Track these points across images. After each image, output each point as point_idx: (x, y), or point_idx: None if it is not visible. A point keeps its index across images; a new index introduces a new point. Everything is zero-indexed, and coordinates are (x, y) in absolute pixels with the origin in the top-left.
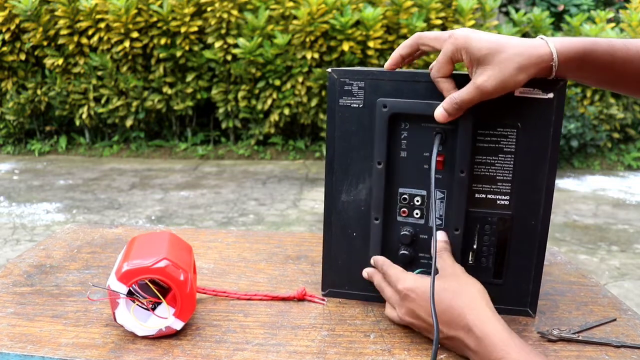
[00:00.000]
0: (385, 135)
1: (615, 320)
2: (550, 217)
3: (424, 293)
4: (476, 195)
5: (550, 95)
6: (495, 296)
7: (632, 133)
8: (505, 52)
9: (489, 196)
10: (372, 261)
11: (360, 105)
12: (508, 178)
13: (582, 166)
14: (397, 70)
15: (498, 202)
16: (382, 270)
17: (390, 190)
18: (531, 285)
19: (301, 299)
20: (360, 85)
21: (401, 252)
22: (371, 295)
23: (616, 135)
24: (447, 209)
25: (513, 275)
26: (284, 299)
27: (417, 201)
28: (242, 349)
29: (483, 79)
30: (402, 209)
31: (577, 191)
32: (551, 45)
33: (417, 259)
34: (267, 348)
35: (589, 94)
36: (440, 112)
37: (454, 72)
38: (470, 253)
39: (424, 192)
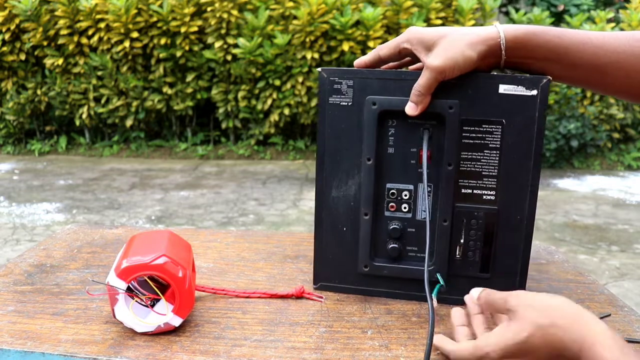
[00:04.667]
0: (374, 132)
1: (609, 315)
2: (535, 212)
3: (561, 315)
4: (462, 191)
5: (534, 92)
6: None
7: (632, 133)
8: (452, 35)
9: (475, 191)
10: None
11: (349, 104)
12: (493, 174)
13: (582, 166)
14: (383, 70)
15: (484, 197)
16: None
17: (379, 186)
18: (518, 280)
19: (299, 296)
20: (349, 84)
21: (390, 246)
22: (361, 289)
23: (616, 135)
24: (434, 202)
25: (500, 269)
26: (282, 297)
27: (405, 195)
28: (240, 344)
29: (432, 59)
30: (390, 204)
31: (577, 191)
32: (499, 26)
33: (405, 252)
34: (265, 344)
35: (589, 94)
36: (408, 106)
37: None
38: (458, 247)
39: (411, 187)
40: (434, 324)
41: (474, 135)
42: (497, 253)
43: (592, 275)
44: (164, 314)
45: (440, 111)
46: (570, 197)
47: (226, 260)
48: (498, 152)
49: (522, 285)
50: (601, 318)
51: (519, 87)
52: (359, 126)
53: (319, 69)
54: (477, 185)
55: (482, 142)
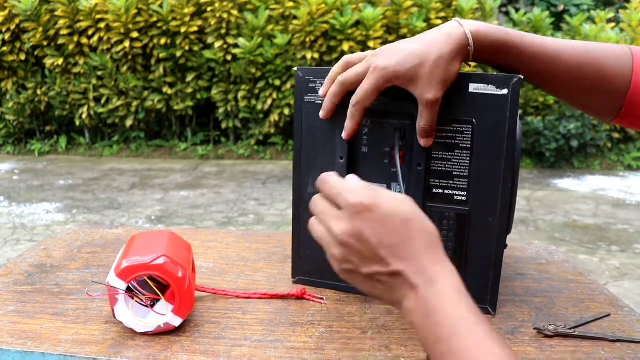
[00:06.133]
0: None
1: (609, 315)
2: (511, 215)
3: (387, 214)
4: (434, 191)
5: (505, 91)
6: None
7: (632, 133)
8: (429, 60)
9: (446, 192)
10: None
11: None
12: (464, 174)
13: (582, 166)
14: None
15: (455, 197)
16: (324, 183)
17: None
18: (490, 283)
19: (300, 297)
20: (323, 83)
21: None
22: (339, 285)
23: (616, 135)
24: None
25: (472, 271)
26: (282, 297)
27: None
28: (240, 345)
29: (427, 94)
30: None
31: (577, 191)
32: (466, 27)
33: None
34: (265, 344)
35: None
36: (423, 142)
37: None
38: None
39: (384, 186)
40: None
41: (445, 134)
42: (469, 255)
43: (592, 275)
44: (164, 314)
45: (410, 111)
46: (570, 197)
47: (226, 260)
48: (469, 152)
49: (495, 289)
50: (600, 318)
51: (489, 86)
52: (334, 124)
53: (295, 69)
54: (448, 185)
55: (453, 142)
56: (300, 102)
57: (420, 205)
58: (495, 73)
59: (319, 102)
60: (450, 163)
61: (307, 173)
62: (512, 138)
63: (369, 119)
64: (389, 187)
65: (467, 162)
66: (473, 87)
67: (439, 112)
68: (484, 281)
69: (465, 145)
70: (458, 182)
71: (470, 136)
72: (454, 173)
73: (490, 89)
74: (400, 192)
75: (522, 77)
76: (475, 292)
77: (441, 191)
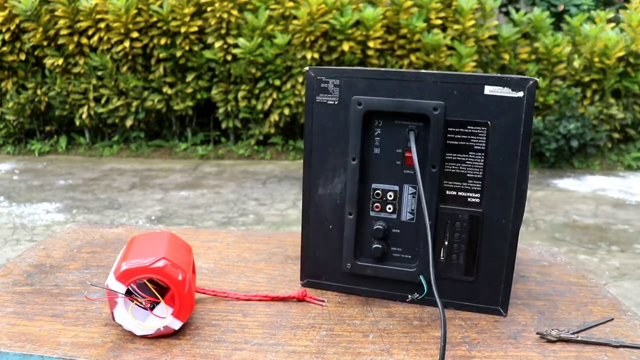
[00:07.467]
0: (359, 131)
1: (612, 319)
2: (521, 217)
3: None
4: (447, 192)
5: (520, 94)
6: (466, 294)
7: (632, 133)
8: None
9: (459, 193)
10: None
11: (336, 102)
12: (478, 176)
13: (582, 166)
14: (370, 69)
15: (469, 199)
16: None
17: (364, 186)
18: (502, 285)
19: (301, 299)
20: (335, 83)
21: (374, 245)
22: (348, 288)
23: (616, 135)
24: (419, 204)
25: (484, 273)
26: (283, 299)
27: (390, 196)
28: (240, 348)
29: None
30: (375, 204)
31: (577, 191)
32: None
33: (389, 253)
34: (265, 348)
35: (589, 94)
36: None
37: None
38: (442, 249)
39: (396, 188)
40: (445, 326)
41: (459, 136)
42: (481, 257)
43: (592, 275)
44: (164, 317)
45: (424, 112)
46: (570, 197)
47: (227, 260)
48: (483, 154)
49: (507, 291)
50: (603, 323)
51: (505, 88)
52: (345, 125)
53: (306, 68)
54: (462, 187)
55: (467, 143)
56: (312, 103)
57: (434, 207)
58: (511, 75)
59: (330, 102)
60: (464, 165)
61: (318, 174)
62: (527, 140)
63: (380, 120)
64: (401, 189)
65: (481, 164)
66: (489, 90)
67: (455, 114)
68: (496, 283)
69: (479, 147)
70: (472, 184)
71: (485, 138)
72: (467, 175)
73: (506, 92)
74: (413, 193)
75: (537, 79)
76: (487, 294)
77: (455, 193)
